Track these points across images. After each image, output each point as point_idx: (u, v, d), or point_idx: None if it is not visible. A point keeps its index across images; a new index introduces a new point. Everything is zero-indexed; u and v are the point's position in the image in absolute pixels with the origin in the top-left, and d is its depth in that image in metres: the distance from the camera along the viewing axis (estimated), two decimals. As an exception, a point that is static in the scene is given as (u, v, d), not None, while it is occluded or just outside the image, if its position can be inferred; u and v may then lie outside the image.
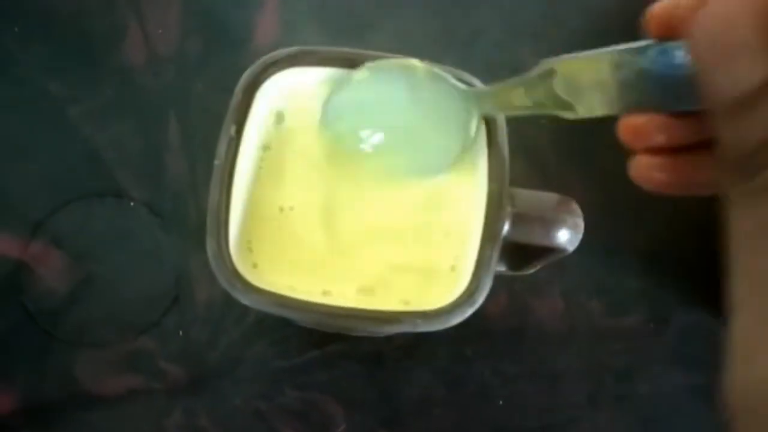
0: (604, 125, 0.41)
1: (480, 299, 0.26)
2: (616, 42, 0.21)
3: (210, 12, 0.39)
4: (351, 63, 0.28)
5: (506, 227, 0.26)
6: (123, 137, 0.38)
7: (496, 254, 0.25)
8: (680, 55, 0.19)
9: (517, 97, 0.24)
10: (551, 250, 0.27)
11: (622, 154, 0.39)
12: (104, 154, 0.37)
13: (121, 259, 0.37)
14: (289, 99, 0.29)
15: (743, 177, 0.16)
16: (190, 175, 0.37)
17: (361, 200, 0.28)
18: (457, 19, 0.40)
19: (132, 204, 0.37)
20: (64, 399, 0.35)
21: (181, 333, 0.36)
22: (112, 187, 0.37)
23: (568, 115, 0.23)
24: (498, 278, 0.27)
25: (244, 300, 0.25)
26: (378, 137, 0.28)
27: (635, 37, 0.21)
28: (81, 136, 0.37)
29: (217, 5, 0.39)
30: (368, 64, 0.28)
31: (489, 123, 0.27)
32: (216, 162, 0.26)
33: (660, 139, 0.20)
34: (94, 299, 0.36)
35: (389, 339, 0.36)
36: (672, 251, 0.39)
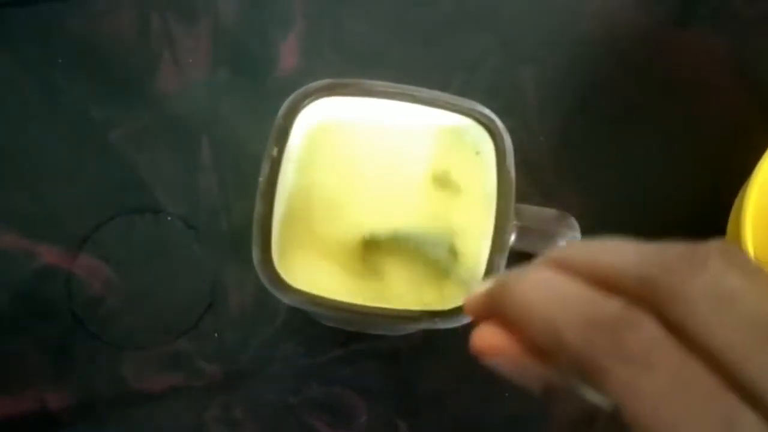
0: (599, 148, 0.45)
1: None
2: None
3: (237, 44, 0.43)
4: (376, 94, 0.32)
5: (512, 239, 0.30)
6: (160, 158, 0.41)
7: (503, 262, 0.29)
8: None
9: None
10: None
11: (614, 173, 0.43)
12: (143, 174, 0.41)
13: (160, 269, 0.40)
14: (323, 123, 0.32)
15: None
16: (221, 191, 0.41)
17: (382, 211, 0.32)
18: (460, 47, 0.44)
19: (169, 218, 0.41)
20: (112, 396, 0.39)
21: (216, 335, 0.40)
22: (150, 204, 0.41)
23: None
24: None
25: (284, 299, 0.28)
26: None
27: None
28: (122, 157, 0.41)
29: (243, 38, 0.43)
30: None
31: (498, 148, 0.31)
32: (260, 179, 0.30)
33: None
34: (137, 306, 0.40)
35: (404, 338, 0.40)
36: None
